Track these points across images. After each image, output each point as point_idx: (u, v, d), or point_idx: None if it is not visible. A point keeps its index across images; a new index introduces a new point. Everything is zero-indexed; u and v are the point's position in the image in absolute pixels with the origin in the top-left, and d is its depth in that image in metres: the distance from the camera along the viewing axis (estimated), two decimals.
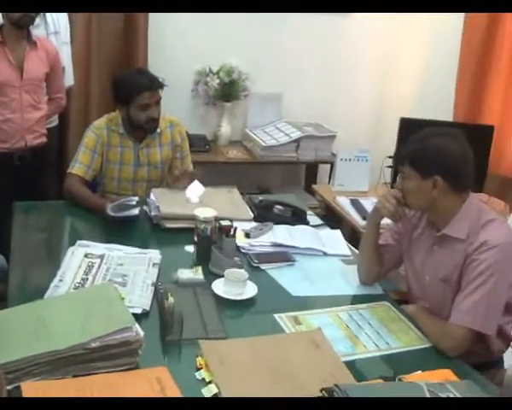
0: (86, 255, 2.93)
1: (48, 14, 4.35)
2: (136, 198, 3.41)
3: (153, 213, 3.43)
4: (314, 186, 4.97)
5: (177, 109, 4.72)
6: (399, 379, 2.19)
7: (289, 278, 3.00)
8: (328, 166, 5.35)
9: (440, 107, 5.03)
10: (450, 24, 5.13)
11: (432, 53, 5.47)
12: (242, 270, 2.83)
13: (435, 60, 5.41)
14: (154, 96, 3.69)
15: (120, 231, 3.28)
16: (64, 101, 4.43)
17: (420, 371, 2.29)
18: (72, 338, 2.07)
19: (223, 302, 2.69)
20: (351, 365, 2.34)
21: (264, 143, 5.21)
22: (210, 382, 2.15)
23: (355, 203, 4.28)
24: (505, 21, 4.96)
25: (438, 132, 2.67)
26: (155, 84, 3.70)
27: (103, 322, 2.16)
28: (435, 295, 2.74)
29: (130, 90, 3.66)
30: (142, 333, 2.20)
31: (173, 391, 2.02)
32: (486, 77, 5.07)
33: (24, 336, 2.11)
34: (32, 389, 1.94)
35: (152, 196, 3.52)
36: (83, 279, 2.72)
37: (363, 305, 2.83)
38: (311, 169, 5.73)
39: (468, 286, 2.56)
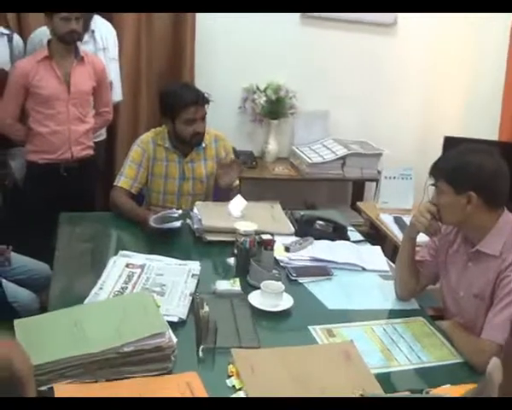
0: (127, 265, 3.01)
1: (96, 31, 4.48)
2: (179, 211, 3.48)
3: (195, 226, 3.48)
4: (359, 203, 4.97)
5: (225, 126, 4.76)
6: (426, 392, 2.20)
7: (326, 292, 3.03)
8: (374, 183, 5.37)
9: (486, 125, 5.00)
10: (496, 40, 5.09)
11: (478, 70, 5.42)
12: (279, 282, 2.86)
13: (481, 77, 5.37)
14: (199, 110, 3.74)
15: (163, 242, 3.35)
16: (111, 115, 4.52)
17: (448, 385, 2.30)
18: (106, 342, 2.13)
19: (258, 313, 2.72)
20: (381, 377, 2.35)
21: (310, 160, 5.24)
22: (240, 389, 2.19)
23: (398, 221, 4.28)
24: None
25: (473, 149, 2.69)
26: (201, 99, 3.75)
27: (137, 327, 2.22)
28: (469, 310, 2.74)
29: (175, 104, 3.72)
30: (175, 339, 2.27)
31: (202, 396, 2.07)
32: None
33: (60, 338, 2.19)
34: (64, 390, 2.01)
35: (195, 210, 3.58)
36: (122, 288, 2.79)
37: (398, 320, 2.83)
38: (358, 186, 5.74)
39: (499, 303, 2.56)
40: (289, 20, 5.29)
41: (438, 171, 2.72)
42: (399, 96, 5.76)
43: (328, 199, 5.75)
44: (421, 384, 2.36)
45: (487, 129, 4.84)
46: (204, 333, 2.45)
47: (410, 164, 4.78)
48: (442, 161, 2.74)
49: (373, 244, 3.72)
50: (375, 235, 4.44)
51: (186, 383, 2.11)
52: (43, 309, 2.94)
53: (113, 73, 4.57)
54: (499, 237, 2.64)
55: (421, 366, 2.52)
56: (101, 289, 2.76)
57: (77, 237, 3.50)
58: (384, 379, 2.36)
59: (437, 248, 2.95)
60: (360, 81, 5.65)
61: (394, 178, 4.57)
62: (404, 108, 5.79)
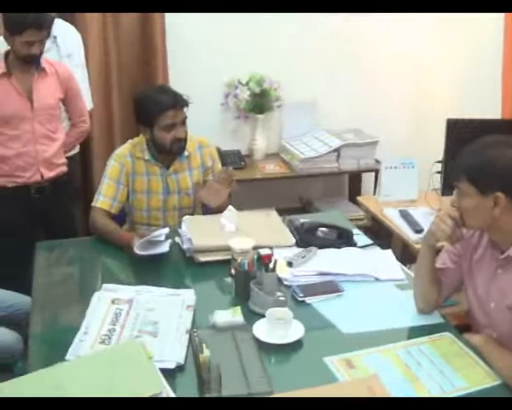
0: (113, 301, 2.70)
1: (59, 37, 4.10)
2: (166, 230, 3.15)
3: (185, 246, 3.16)
4: (359, 198, 4.61)
5: (207, 125, 4.52)
6: None
7: (339, 313, 2.70)
8: (373, 174, 5.07)
9: (487, 104, 4.70)
10: (492, 15, 4.81)
11: (474, 46, 5.15)
12: (286, 308, 2.54)
13: (477, 54, 5.10)
14: (178, 114, 3.43)
15: (151, 267, 3.06)
16: (88, 124, 4.11)
17: None
18: None
19: (266, 347, 2.42)
20: None
21: (302, 155, 4.91)
22: None
23: (405, 215, 3.95)
24: None
25: (496, 142, 2.35)
26: (179, 102, 3.45)
27: (129, 390, 1.91)
28: (503, 323, 2.44)
29: (152, 110, 3.41)
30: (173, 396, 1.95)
31: None
32: None
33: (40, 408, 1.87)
34: None
35: (183, 227, 3.27)
36: (109, 330, 2.48)
37: (423, 338, 2.51)
38: (355, 178, 5.44)
39: None
40: None
41: (458, 170, 2.39)
42: (391, 77, 5.41)
43: (324, 194, 5.44)
44: None
45: (489, 107, 4.54)
46: (206, 381, 2.14)
47: (410, 150, 4.52)
48: (462, 159, 2.40)
49: (378, 241, 3.43)
50: (378, 229, 4.13)
51: None
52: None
53: (81, 81, 4.17)
54: None
55: (457, 394, 2.20)
56: (85, 333, 2.45)
57: (55, 269, 3.20)
58: None
59: (459, 253, 2.63)
60: (347, 65, 5.29)
61: (395, 168, 4.24)
62: (397, 91, 5.44)
